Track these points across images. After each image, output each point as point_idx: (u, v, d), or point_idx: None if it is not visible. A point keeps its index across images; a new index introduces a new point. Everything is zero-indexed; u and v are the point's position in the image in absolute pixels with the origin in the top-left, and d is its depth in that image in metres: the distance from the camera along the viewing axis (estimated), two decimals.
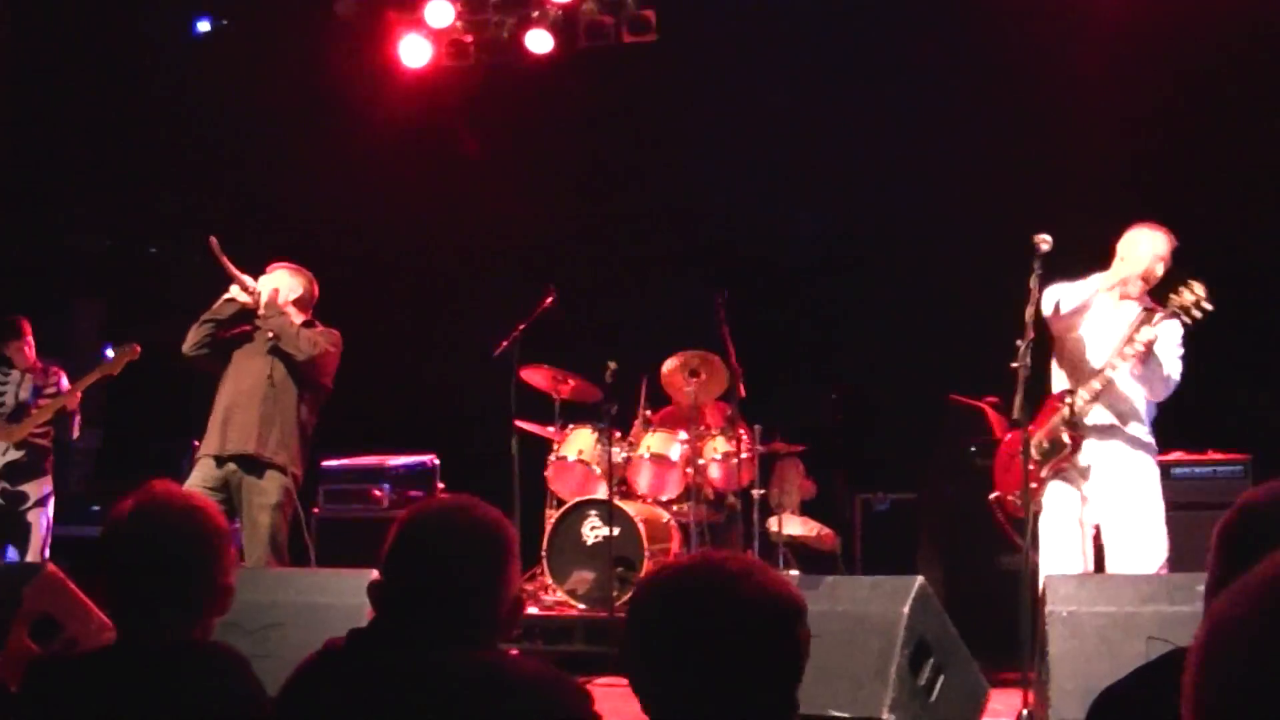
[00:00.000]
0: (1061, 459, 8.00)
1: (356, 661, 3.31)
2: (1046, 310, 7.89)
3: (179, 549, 3.62)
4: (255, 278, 9.40)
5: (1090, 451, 8.00)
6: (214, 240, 9.20)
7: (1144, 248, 8.07)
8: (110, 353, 10.81)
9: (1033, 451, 7.87)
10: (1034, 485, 7.86)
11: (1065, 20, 12.35)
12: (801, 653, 2.83)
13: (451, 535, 3.35)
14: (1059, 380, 8.24)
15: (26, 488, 10.89)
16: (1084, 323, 8.13)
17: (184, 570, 3.62)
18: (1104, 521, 8.04)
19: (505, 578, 3.38)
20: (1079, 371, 8.11)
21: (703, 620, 2.75)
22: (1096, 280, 7.98)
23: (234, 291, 9.29)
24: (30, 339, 11.17)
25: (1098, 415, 8.01)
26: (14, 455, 10.85)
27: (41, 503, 10.96)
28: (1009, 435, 8.21)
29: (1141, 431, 8.09)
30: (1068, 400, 7.96)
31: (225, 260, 9.26)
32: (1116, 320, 8.06)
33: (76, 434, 11.37)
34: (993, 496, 8.13)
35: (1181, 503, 8.55)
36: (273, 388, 9.13)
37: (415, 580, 3.32)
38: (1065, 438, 7.95)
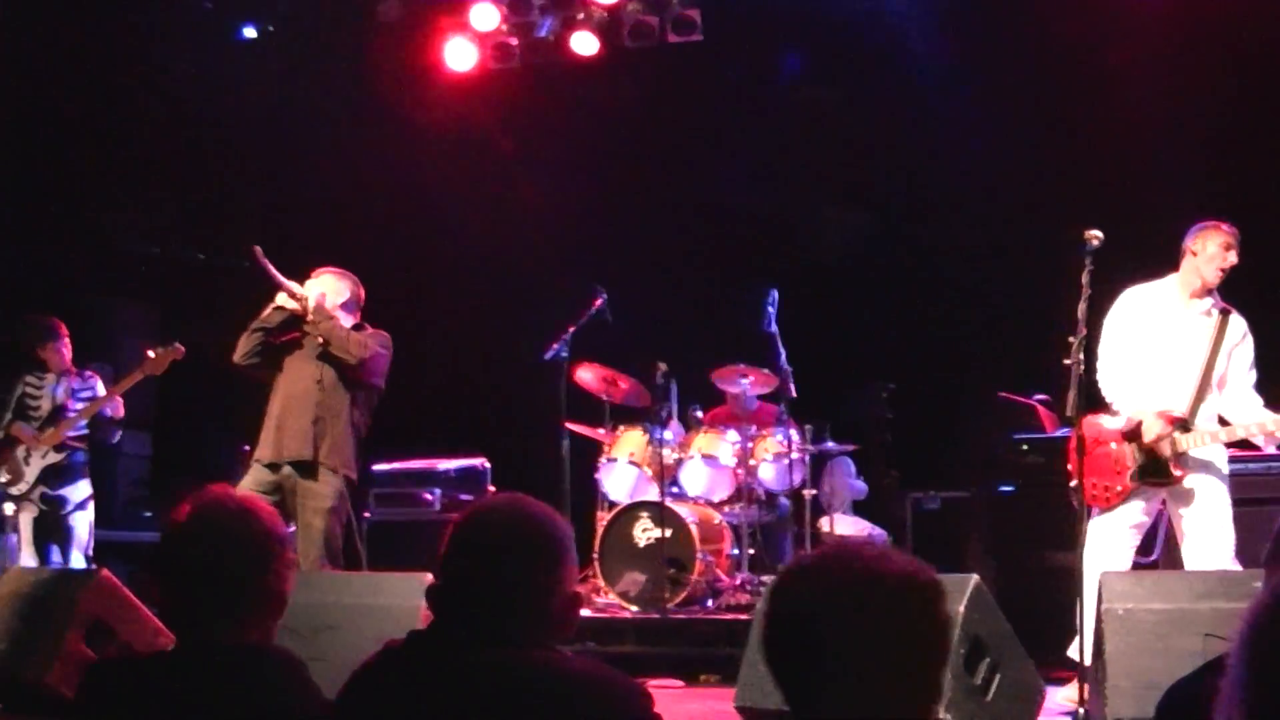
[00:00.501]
0: (1161, 482, 8.00)
1: (416, 663, 3.29)
2: (1101, 382, 8.00)
3: (236, 552, 3.60)
4: (301, 283, 9.40)
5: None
6: (258, 249, 9.19)
7: (1213, 245, 8.07)
8: (152, 353, 10.81)
9: (1127, 459, 7.88)
10: (1119, 488, 7.88)
11: (1118, 11, 12.27)
12: (944, 632, 2.79)
13: (506, 534, 3.32)
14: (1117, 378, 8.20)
15: (65, 491, 10.92)
16: (1157, 334, 8.14)
17: (241, 573, 3.61)
18: (1185, 516, 8.03)
19: (561, 575, 3.35)
20: (1163, 383, 8.12)
21: (845, 603, 2.71)
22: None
23: (281, 299, 9.28)
24: (67, 341, 11.17)
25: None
26: (53, 458, 10.88)
27: (81, 506, 10.99)
28: (1090, 433, 8.13)
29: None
30: (1179, 436, 7.94)
31: (270, 268, 9.25)
32: (1192, 328, 8.09)
33: (116, 438, 11.41)
34: (1074, 484, 8.05)
35: (1234, 498, 8.48)
36: (324, 392, 9.11)
37: (471, 580, 3.30)
38: (1173, 469, 7.94)
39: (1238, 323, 8.17)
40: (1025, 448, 10.36)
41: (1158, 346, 8.16)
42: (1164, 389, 8.10)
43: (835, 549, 2.89)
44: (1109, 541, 8.03)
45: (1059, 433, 10.06)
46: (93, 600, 6.92)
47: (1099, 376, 8.12)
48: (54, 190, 14.72)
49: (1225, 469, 8.14)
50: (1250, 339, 8.20)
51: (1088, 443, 7.97)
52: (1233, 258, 8.04)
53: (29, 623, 7.23)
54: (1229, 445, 8.24)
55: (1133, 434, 8.04)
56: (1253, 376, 8.20)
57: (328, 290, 9.42)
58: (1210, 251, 8.05)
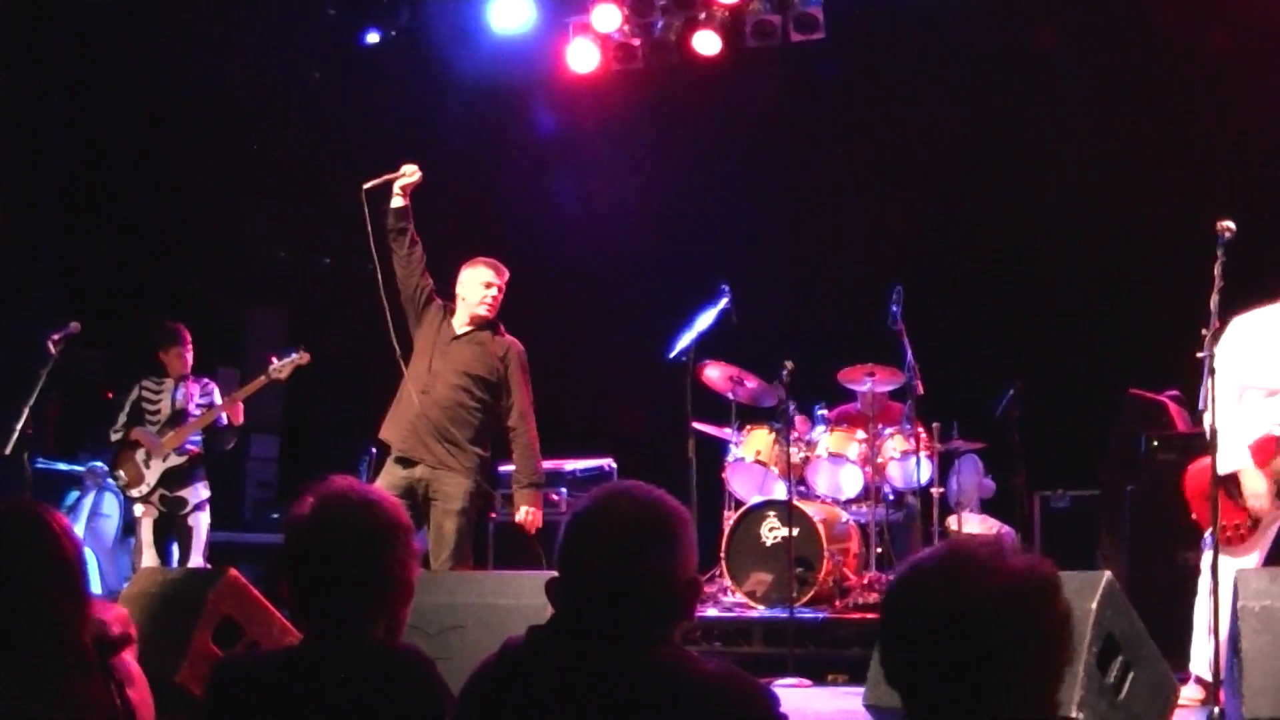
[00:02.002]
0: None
1: (536, 661, 3.27)
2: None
3: (360, 542, 3.61)
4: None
5: None
6: (366, 185, 9.18)
7: None
8: (275, 361, 10.92)
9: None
10: (1249, 523, 7.67)
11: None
12: (1065, 626, 2.76)
13: (625, 519, 3.27)
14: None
15: (184, 493, 11.09)
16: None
17: (366, 563, 3.61)
18: None
19: (682, 558, 3.31)
20: None
21: (964, 601, 2.69)
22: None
23: (399, 182, 9.19)
24: (190, 348, 11.32)
25: None
26: (173, 461, 11.04)
27: (200, 507, 11.17)
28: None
29: None
30: None
31: (382, 179, 9.25)
32: None
33: (231, 445, 11.53)
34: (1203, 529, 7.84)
35: None
36: (453, 394, 9.10)
37: (593, 569, 3.26)
38: None
39: None
40: (1156, 444, 10.21)
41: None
42: None
43: (950, 547, 2.86)
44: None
45: (1193, 429, 9.91)
46: (222, 599, 6.97)
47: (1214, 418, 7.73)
48: (190, 197, 14.94)
49: None
50: None
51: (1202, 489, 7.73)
52: None
53: (158, 622, 7.30)
54: None
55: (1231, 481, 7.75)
56: None
57: (482, 277, 9.32)
58: None
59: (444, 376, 9.07)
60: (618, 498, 3.34)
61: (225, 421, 11.13)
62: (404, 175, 9.20)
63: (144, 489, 10.97)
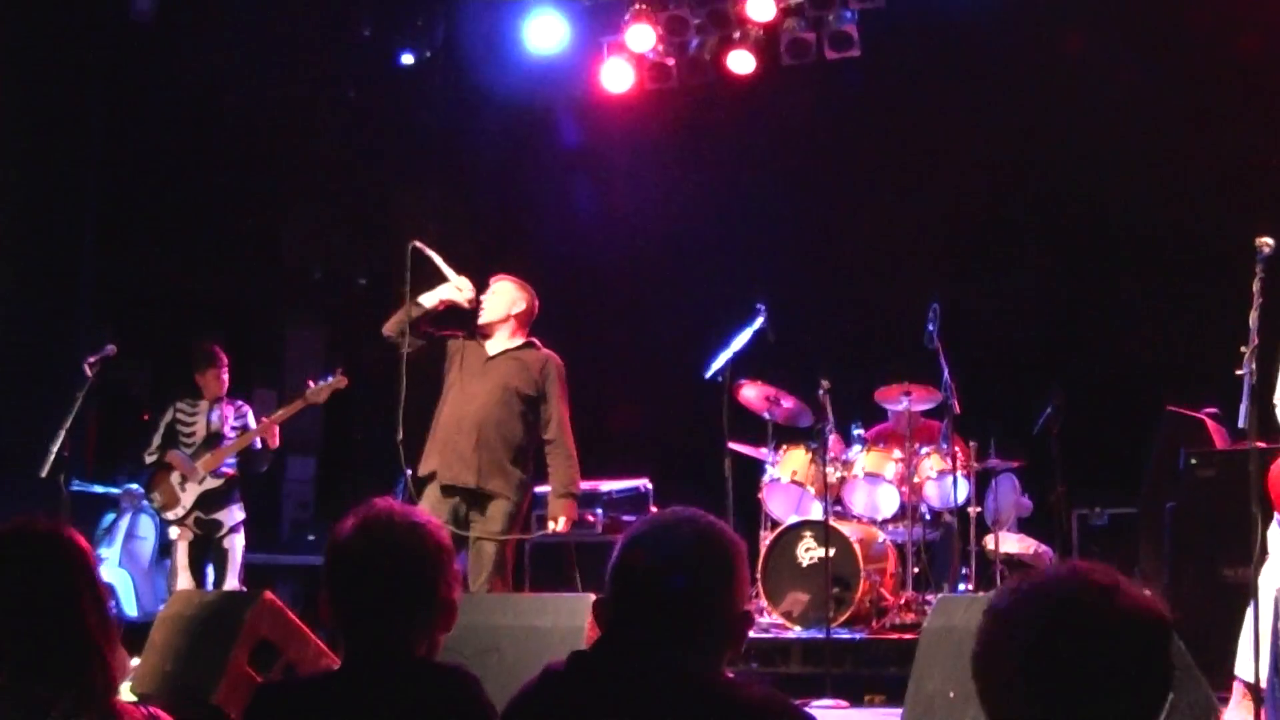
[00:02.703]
0: None
1: (579, 682, 3.25)
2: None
3: (402, 563, 3.60)
4: (483, 289, 9.39)
5: None
6: (418, 243, 9.20)
7: None
8: (312, 384, 10.94)
9: None
10: None
11: None
12: (1169, 673, 2.68)
13: (684, 546, 3.27)
14: None
15: (219, 515, 11.11)
16: None
17: (408, 584, 3.60)
18: None
19: (735, 591, 3.29)
20: None
21: (1073, 634, 2.61)
22: None
23: (446, 290, 9.26)
24: (226, 369, 11.34)
25: None
26: (210, 484, 11.06)
27: (235, 529, 11.19)
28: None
29: None
30: None
31: (435, 257, 9.25)
32: None
33: (265, 468, 11.56)
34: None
35: None
36: (493, 412, 9.09)
37: (646, 593, 3.25)
38: None
39: None
40: (1195, 461, 10.16)
41: None
42: None
43: (1069, 573, 2.74)
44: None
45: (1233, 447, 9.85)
46: (258, 621, 6.99)
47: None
48: (230, 216, 15.01)
49: None
50: None
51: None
52: None
53: (196, 644, 7.32)
54: None
55: None
56: None
57: (505, 297, 9.38)
58: None
59: (481, 397, 9.07)
60: (679, 523, 3.33)
61: (260, 445, 11.14)
62: (457, 289, 9.21)
63: (179, 511, 11.00)
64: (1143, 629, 2.64)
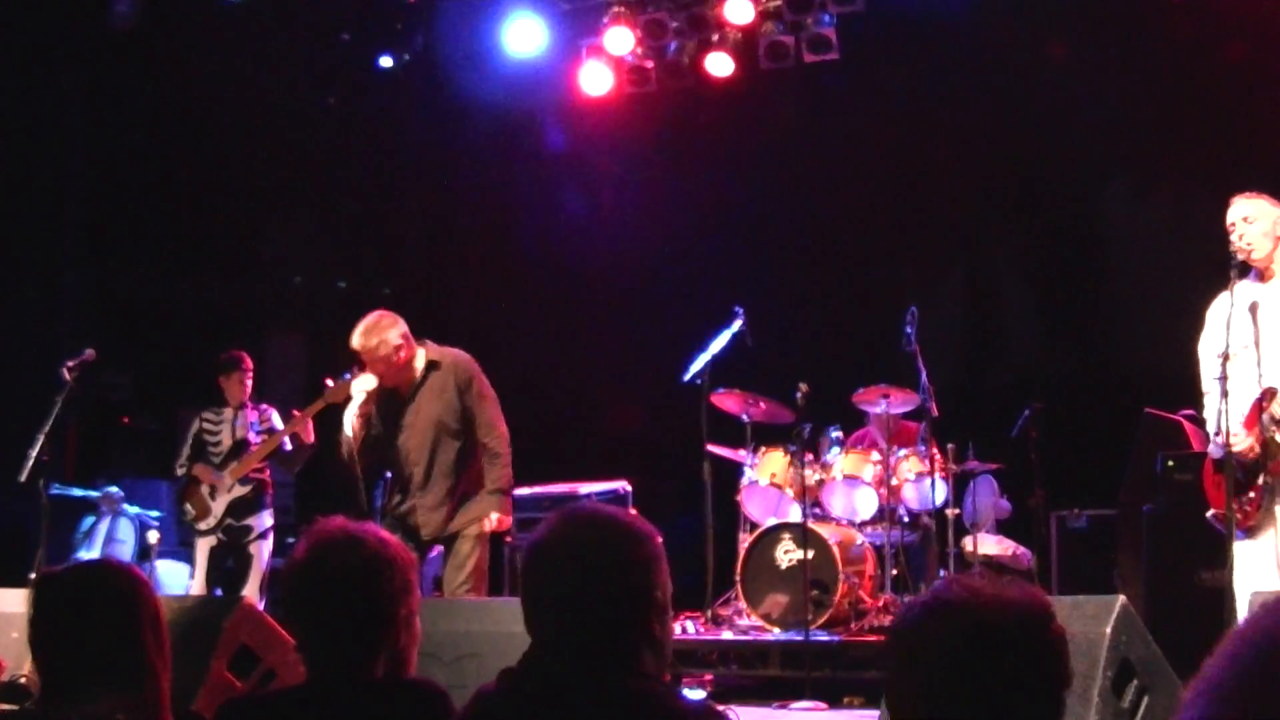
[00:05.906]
0: (1276, 464, 7.68)
1: (508, 703, 3.22)
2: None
3: (347, 581, 3.62)
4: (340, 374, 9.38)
5: None
6: (328, 381, 9.25)
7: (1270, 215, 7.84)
8: (330, 382, 10.91)
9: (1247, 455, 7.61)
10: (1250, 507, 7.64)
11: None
12: (1060, 652, 2.77)
13: (574, 545, 3.23)
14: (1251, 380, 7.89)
15: (249, 521, 11.13)
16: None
17: (360, 605, 3.63)
18: None
19: (638, 580, 3.22)
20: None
21: (953, 635, 2.69)
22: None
23: (357, 397, 9.07)
24: (250, 374, 11.32)
25: None
26: (239, 491, 11.07)
27: (264, 535, 11.23)
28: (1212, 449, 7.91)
29: None
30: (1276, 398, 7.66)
31: (331, 383, 9.31)
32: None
33: (299, 467, 11.53)
34: (1210, 514, 7.87)
35: None
36: (437, 457, 9.06)
37: (547, 601, 3.23)
38: (1278, 436, 7.64)
39: None
40: (1173, 464, 10.20)
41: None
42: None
43: (943, 584, 2.85)
44: (1255, 562, 7.80)
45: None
46: (238, 628, 6.99)
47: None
48: (209, 222, 15.01)
49: None
50: None
51: (1212, 473, 7.79)
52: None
53: (175, 650, 7.33)
54: None
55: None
56: None
57: (385, 351, 8.96)
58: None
59: (419, 448, 9.10)
60: (579, 525, 3.29)
61: (290, 446, 11.07)
62: (363, 391, 9.04)
63: (211, 521, 11.02)
64: (1021, 615, 2.74)
